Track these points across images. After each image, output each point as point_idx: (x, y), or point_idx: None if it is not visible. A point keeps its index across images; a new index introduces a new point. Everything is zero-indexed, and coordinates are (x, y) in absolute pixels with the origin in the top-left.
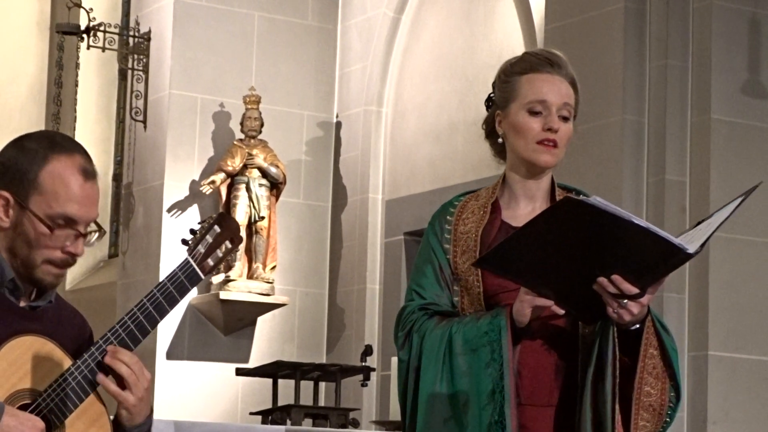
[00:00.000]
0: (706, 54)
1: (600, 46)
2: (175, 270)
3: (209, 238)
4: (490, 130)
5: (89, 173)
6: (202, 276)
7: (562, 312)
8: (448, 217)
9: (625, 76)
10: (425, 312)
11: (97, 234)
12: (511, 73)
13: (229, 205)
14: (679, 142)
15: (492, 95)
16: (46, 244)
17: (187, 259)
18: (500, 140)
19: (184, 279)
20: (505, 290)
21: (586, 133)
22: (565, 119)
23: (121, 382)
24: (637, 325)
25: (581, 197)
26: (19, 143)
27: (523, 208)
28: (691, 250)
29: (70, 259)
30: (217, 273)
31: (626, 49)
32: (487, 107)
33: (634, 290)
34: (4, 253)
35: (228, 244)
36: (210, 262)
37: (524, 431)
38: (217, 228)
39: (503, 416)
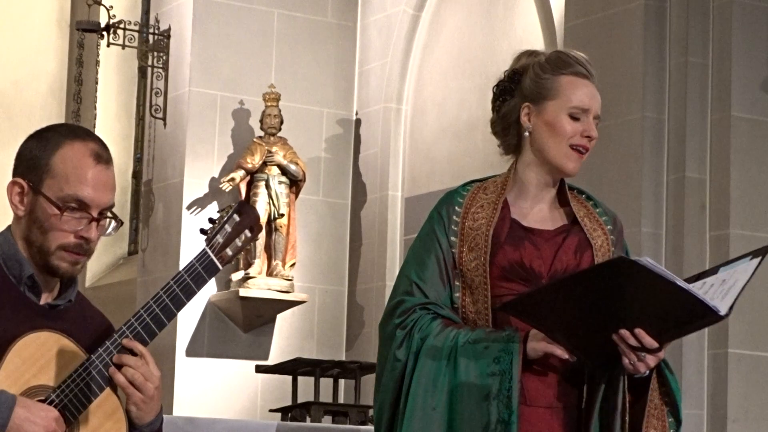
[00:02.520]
0: (726, 51)
1: (620, 44)
2: (192, 261)
3: (228, 228)
4: (512, 122)
5: (101, 158)
6: (220, 267)
7: (572, 360)
8: (456, 208)
9: (645, 73)
10: (427, 312)
11: (114, 223)
12: (548, 69)
13: (249, 202)
14: (699, 140)
15: (506, 83)
16: (57, 227)
17: (204, 249)
18: (527, 133)
19: (201, 270)
20: (512, 292)
21: (606, 130)
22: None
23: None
24: (646, 372)
25: (635, 258)
26: (38, 133)
27: (531, 207)
28: (722, 312)
29: (84, 244)
30: (236, 265)
31: (646, 46)
32: (503, 96)
33: (655, 344)
34: (21, 244)
35: (247, 233)
36: (228, 252)
37: (529, 430)
38: (236, 217)
39: None
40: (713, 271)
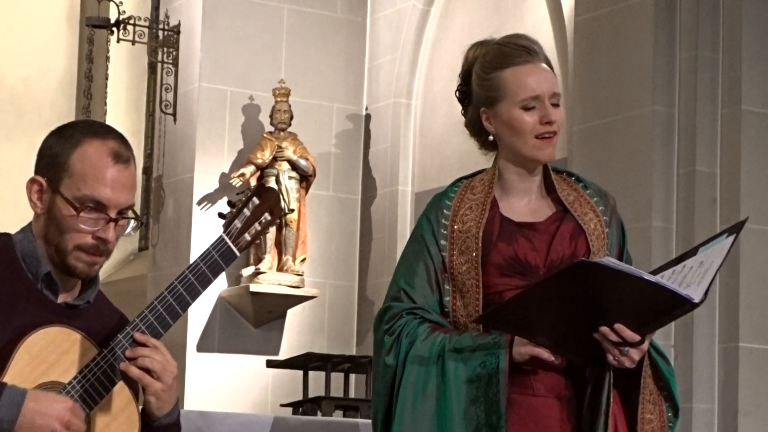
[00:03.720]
0: (737, 45)
1: (630, 38)
2: (208, 248)
3: (247, 211)
4: (476, 129)
5: (120, 157)
6: (238, 253)
7: (558, 362)
8: (445, 211)
9: (655, 67)
10: (414, 317)
11: (133, 222)
12: (490, 69)
13: None
14: (709, 134)
15: (462, 88)
16: (74, 227)
17: (221, 236)
18: (491, 138)
19: (218, 257)
20: (511, 287)
21: (616, 124)
22: (556, 106)
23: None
24: (632, 365)
25: (595, 260)
26: (60, 129)
27: (519, 201)
28: (696, 299)
29: (101, 245)
30: (246, 260)
31: (656, 40)
32: (462, 102)
33: (637, 338)
34: (40, 242)
35: (267, 216)
36: (247, 237)
37: (537, 421)
38: (255, 200)
39: None
40: (693, 252)
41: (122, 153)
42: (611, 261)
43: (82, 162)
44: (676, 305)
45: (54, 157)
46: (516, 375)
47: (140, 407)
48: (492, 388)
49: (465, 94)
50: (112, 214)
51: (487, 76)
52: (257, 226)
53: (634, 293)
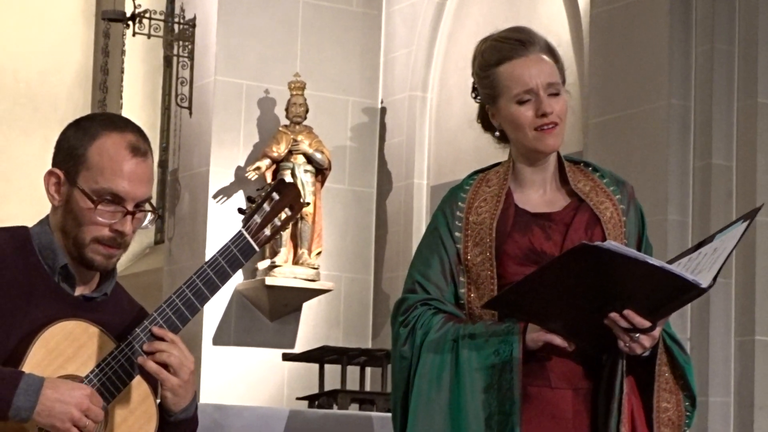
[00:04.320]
0: (753, 37)
1: (645, 31)
2: (227, 243)
3: (267, 207)
4: (487, 124)
5: (138, 150)
6: (257, 248)
7: (571, 348)
8: (459, 204)
9: (671, 60)
10: (428, 308)
11: (150, 215)
12: (487, 67)
13: None
14: (725, 127)
15: (474, 85)
16: (92, 220)
17: (240, 231)
18: (497, 133)
19: (237, 252)
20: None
21: (632, 118)
22: (555, 95)
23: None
24: (648, 351)
25: (597, 243)
26: (78, 122)
27: (534, 192)
28: (704, 284)
29: (118, 238)
30: (262, 254)
31: (672, 33)
32: (475, 98)
33: (647, 324)
34: (57, 234)
35: (287, 211)
36: (267, 232)
37: (553, 413)
38: (275, 195)
39: None
40: (710, 239)
41: (140, 146)
42: (613, 245)
43: (100, 155)
44: (684, 290)
45: (72, 150)
46: (532, 364)
47: (158, 401)
48: (506, 376)
49: (476, 92)
50: (130, 207)
51: (485, 74)
52: (277, 222)
53: (641, 278)
